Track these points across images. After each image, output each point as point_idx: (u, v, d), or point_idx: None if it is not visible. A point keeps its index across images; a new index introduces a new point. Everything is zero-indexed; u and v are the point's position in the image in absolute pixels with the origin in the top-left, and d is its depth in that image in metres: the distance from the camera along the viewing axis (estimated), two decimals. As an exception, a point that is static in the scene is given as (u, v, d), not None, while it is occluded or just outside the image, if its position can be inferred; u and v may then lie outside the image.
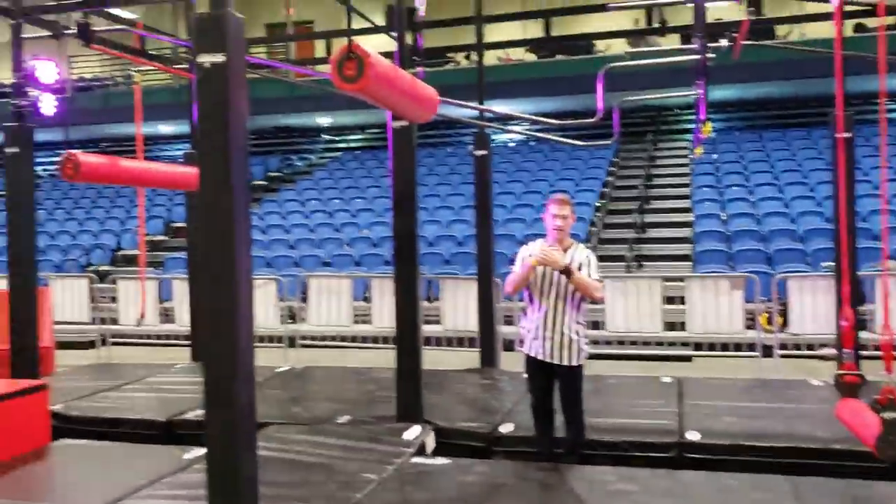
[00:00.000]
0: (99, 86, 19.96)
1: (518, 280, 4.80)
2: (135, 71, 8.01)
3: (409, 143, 5.84)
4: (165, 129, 20.30)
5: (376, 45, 4.31)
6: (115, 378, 7.63)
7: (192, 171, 7.08)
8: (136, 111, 7.74)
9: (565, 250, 4.78)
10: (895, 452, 3.46)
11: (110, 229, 16.63)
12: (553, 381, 4.87)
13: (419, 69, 7.71)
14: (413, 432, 5.41)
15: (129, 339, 11.02)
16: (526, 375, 5.02)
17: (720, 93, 16.68)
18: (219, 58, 3.12)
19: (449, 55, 18.02)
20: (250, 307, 3.26)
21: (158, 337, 11.02)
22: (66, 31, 6.81)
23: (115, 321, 11.08)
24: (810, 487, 4.31)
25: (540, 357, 4.79)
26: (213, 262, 3.15)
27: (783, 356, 8.64)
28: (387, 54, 5.51)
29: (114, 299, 11.31)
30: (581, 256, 4.77)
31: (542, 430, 5.00)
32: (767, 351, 8.58)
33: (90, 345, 10.75)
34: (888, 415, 3.46)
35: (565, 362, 4.75)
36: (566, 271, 4.60)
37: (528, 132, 13.57)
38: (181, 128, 18.91)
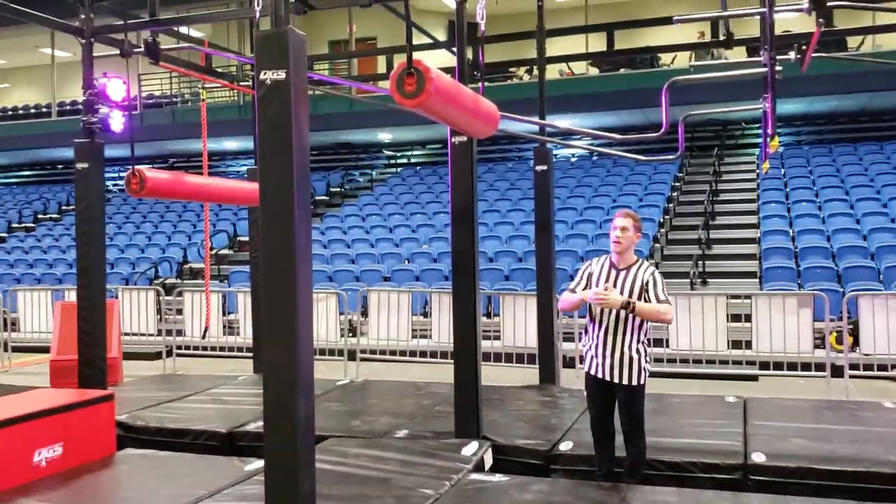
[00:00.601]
0: (167, 103, 20.58)
1: (570, 305, 4.88)
2: (201, 88, 8.21)
3: (468, 158, 5.84)
4: (231, 144, 20.82)
5: (438, 61, 4.34)
6: (179, 389, 7.80)
7: (254, 186, 7.23)
8: (202, 127, 7.94)
9: (629, 268, 4.72)
10: None
11: (177, 243, 17.08)
12: (614, 400, 4.79)
13: (480, 84, 7.73)
14: (471, 448, 5.38)
15: (194, 350, 11.26)
16: (586, 394, 4.94)
17: (788, 106, 16.29)
18: (280, 74, 3.18)
19: (510, 70, 18.06)
20: (310, 320, 3.29)
21: (222, 349, 11.23)
22: (134, 50, 7.05)
23: (180, 333, 11.36)
24: (883, 515, 4.13)
25: (600, 376, 4.72)
26: (273, 277, 3.20)
27: (853, 377, 8.33)
28: (448, 70, 5.56)
29: (180, 311, 11.61)
30: (646, 275, 4.68)
31: (602, 449, 4.92)
32: (837, 371, 8.29)
33: (156, 356, 11.02)
34: None
35: (625, 381, 4.66)
36: (627, 306, 4.54)
37: (589, 147, 13.47)
38: (246, 144, 19.38)
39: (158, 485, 4.79)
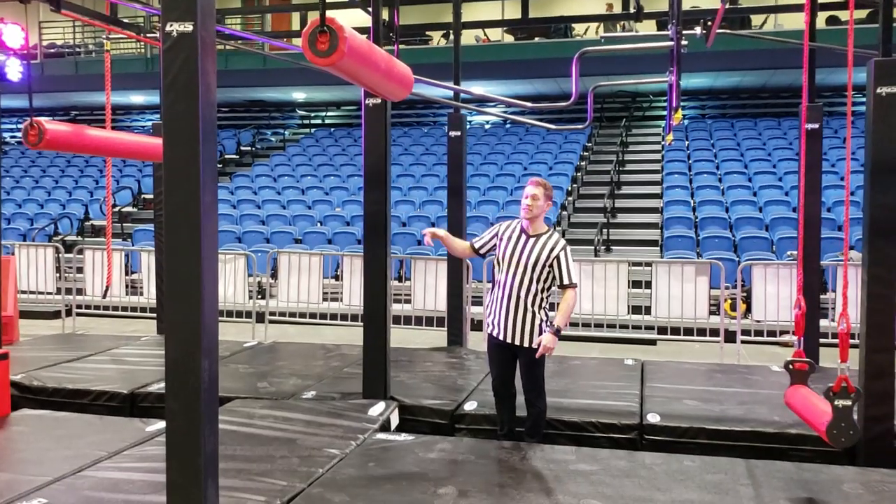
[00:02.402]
0: (69, 53, 19.56)
1: (450, 247, 5.16)
2: (106, 38, 7.83)
3: (382, 121, 5.82)
4: (137, 99, 20.02)
5: (352, 21, 4.28)
6: (79, 349, 7.56)
7: (159, 141, 6.99)
8: (105, 80, 7.60)
9: (538, 236, 4.82)
10: (845, 438, 3.55)
11: (78, 199, 16.40)
12: (515, 362, 4.93)
13: (394, 46, 7.67)
14: (378, 409, 5.45)
15: (96, 310, 10.91)
16: (488, 356, 5.06)
17: (694, 80, 16.80)
18: (187, 26, 3.08)
19: (426, 34, 17.94)
20: (215, 280, 3.24)
21: (125, 309, 10.92)
22: (34, -4, 6.66)
23: (81, 292, 10.98)
24: (763, 469, 4.41)
25: (502, 338, 4.84)
26: (176, 235, 3.13)
27: (745, 342, 8.79)
28: (363, 30, 5.49)
29: (80, 270, 11.20)
30: (556, 250, 4.77)
31: (504, 409, 5.06)
32: (730, 336, 8.71)
33: (55, 315, 10.65)
34: (840, 402, 3.55)
35: (527, 344, 4.79)
36: (558, 333, 4.68)
37: (502, 115, 13.57)
38: (153, 98, 18.66)
39: (55, 446, 4.66)
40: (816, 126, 7.03)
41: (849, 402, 3.54)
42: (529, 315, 4.77)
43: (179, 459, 3.18)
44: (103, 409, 5.87)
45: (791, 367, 4.25)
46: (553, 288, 4.89)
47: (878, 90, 4.71)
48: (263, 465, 4.30)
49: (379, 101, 5.74)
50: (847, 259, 4.03)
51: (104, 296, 8.77)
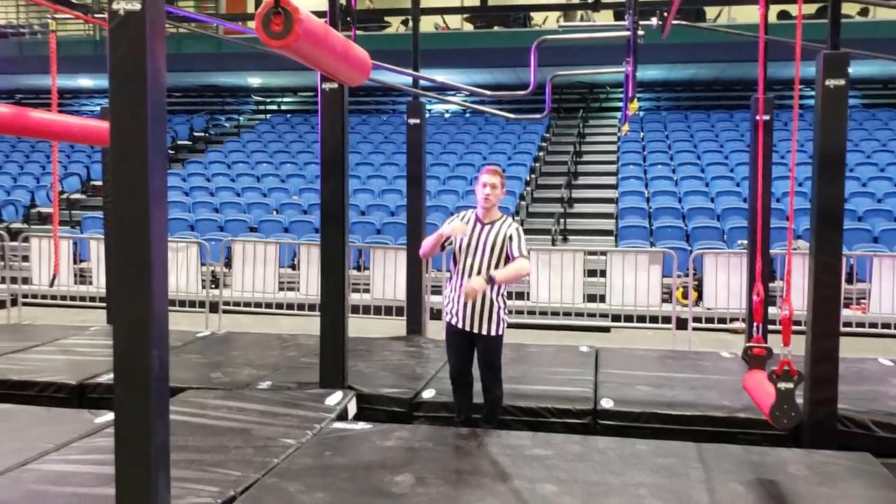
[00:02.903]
0: (13, 33, 18.96)
1: (428, 247, 4.91)
2: (51, 18, 7.61)
3: (339, 107, 5.75)
4: (86, 82, 19.52)
5: (308, 4, 4.22)
6: (25, 339, 7.37)
7: (106, 125, 6.81)
8: (51, 61, 7.39)
9: (493, 223, 4.84)
10: (787, 420, 3.64)
11: (24, 185, 15.94)
12: (473, 350, 4.93)
13: (351, 30, 7.58)
14: (335, 398, 5.41)
15: (43, 299, 10.65)
16: (446, 343, 5.05)
17: (649, 73, 16.98)
18: (135, 5, 2.99)
19: (385, 20, 17.81)
20: (164, 268, 3.17)
21: (73, 298, 10.68)
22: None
23: (27, 281, 10.70)
24: (713, 453, 4.50)
25: (461, 326, 4.84)
26: (124, 222, 3.05)
27: (696, 329, 8.95)
28: (319, 14, 5.41)
29: (26, 258, 10.91)
30: (509, 230, 4.81)
31: (461, 397, 5.08)
32: (682, 324, 8.87)
33: (0, 305, 10.37)
34: (783, 385, 3.63)
35: (485, 332, 4.80)
36: (490, 282, 4.62)
37: (462, 103, 13.54)
38: (102, 82, 18.20)
39: (0, 438, 4.53)
40: (768, 118, 7.15)
41: (791, 385, 3.63)
42: (488, 303, 4.77)
43: (129, 451, 3.11)
44: (51, 400, 5.72)
45: (749, 352, 4.34)
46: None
47: (827, 83, 4.81)
48: (217, 455, 4.25)
49: (336, 85, 5.67)
50: (791, 247, 4.11)
51: (51, 285, 8.56)
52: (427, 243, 4.95)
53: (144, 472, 3.12)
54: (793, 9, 16.48)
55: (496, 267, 4.75)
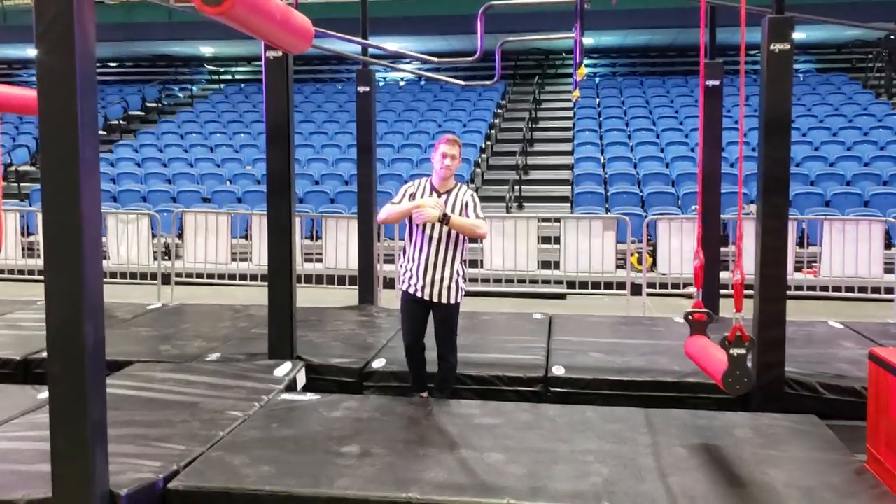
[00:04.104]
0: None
1: (395, 214, 4.76)
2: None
3: (283, 75, 5.64)
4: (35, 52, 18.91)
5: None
6: (-32, 315, 7.18)
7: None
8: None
9: (449, 191, 4.81)
10: (740, 385, 3.69)
11: (-31, 158, 15.45)
12: (427, 319, 4.92)
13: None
14: (283, 369, 5.36)
15: (-11, 274, 10.39)
16: (401, 312, 5.01)
17: (605, 39, 16.99)
18: (58, -32, 2.88)
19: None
20: (97, 240, 3.09)
21: (22, 272, 10.42)
22: None
23: (-29, 256, 10.41)
24: (660, 418, 4.55)
25: (419, 295, 4.81)
26: (54, 194, 2.95)
27: (651, 295, 9.04)
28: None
29: (-30, 232, 10.60)
30: (465, 197, 4.80)
31: (415, 366, 5.05)
32: (636, 289, 8.95)
33: (-57, 280, 10.09)
34: (735, 351, 3.67)
35: (444, 300, 4.79)
36: (444, 219, 4.60)
37: (416, 71, 13.38)
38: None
39: (-63, 418, 4.41)
40: (717, 83, 7.20)
41: (743, 351, 3.67)
42: (448, 271, 4.76)
43: (64, 428, 3.06)
44: (-6, 377, 5.59)
45: (690, 317, 4.37)
46: (467, 243, 4.91)
47: (772, 47, 4.82)
48: (162, 430, 4.18)
49: (280, 54, 5.55)
50: (741, 212, 4.14)
51: (-6, 259, 8.33)
52: (392, 211, 4.76)
53: (81, 449, 3.07)
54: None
55: (455, 235, 4.73)
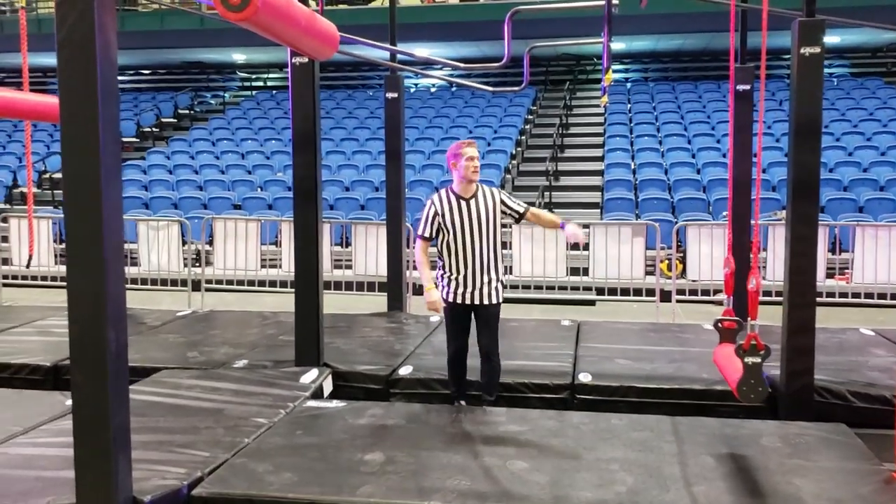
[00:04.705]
0: (-8, 11, 18.73)
1: (423, 268, 4.85)
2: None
3: (310, 81, 5.66)
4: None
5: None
6: (2, 321, 7.30)
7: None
8: (21, 39, 7.25)
9: (474, 195, 4.80)
10: (754, 395, 3.62)
11: (6, 165, 15.77)
12: (470, 325, 4.91)
13: (318, 4, 7.45)
14: (310, 376, 5.37)
15: (24, 280, 10.56)
16: (449, 320, 4.94)
17: (637, 44, 16.84)
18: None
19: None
20: (120, 246, 3.12)
21: (55, 279, 10.59)
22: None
23: (7, 261, 10.61)
24: (688, 426, 4.48)
25: (468, 301, 4.79)
26: (76, 201, 2.98)
27: (680, 301, 8.92)
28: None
29: (6, 239, 10.81)
30: (496, 196, 4.85)
31: (460, 373, 5.02)
32: (666, 296, 8.84)
33: (-20, 286, 10.28)
34: (749, 359, 3.60)
35: (487, 301, 4.79)
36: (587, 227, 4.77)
37: (446, 78, 13.39)
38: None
39: (-31, 422, 4.49)
40: (748, 87, 7.08)
41: (758, 360, 3.61)
42: (493, 273, 4.79)
43: (87, 434, 3.08)
44: (25, 382, 5.68)
45: (720, 325, 4.31)
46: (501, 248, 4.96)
47: (802, 51, 4.73)
48: (187, 436, 4.20)
49: (306, 60, 5.58)
50: (758, 220, 4.07)
51: (27, 265, 8.48)
52: (419, 261, 4.87)
53: (103, 455, 3.10)
54: (780, -23, 16.33)
55: (494, 237, 4.77)
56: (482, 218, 4.74)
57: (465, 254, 4.76)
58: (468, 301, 4.80)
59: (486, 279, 4.77)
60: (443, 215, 4.77)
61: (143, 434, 4.05)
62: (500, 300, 4.88)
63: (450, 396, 5.12)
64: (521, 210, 4.93)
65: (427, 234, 4.83)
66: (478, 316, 4.87)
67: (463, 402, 5.03)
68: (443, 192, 4.89)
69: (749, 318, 3.74)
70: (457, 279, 4.79)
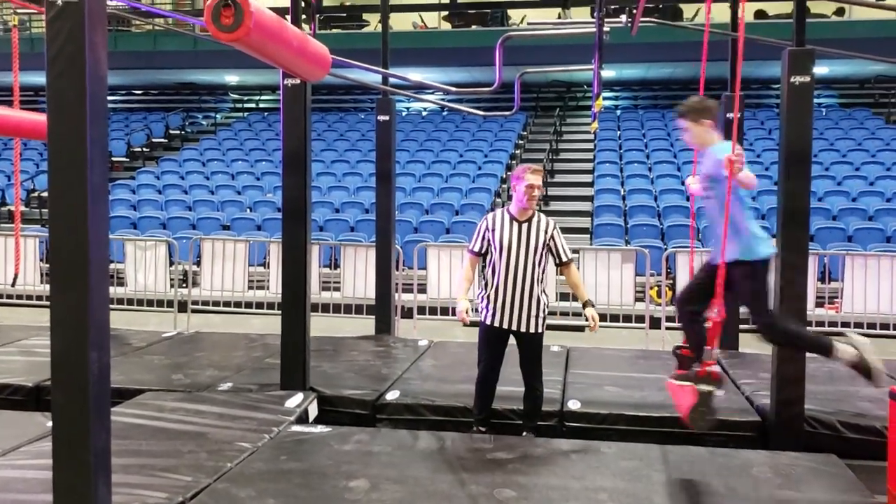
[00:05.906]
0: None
1: (463, 280, 4.91)
2: (14, 13, 7.47)
3: (301, 102, 5.64)
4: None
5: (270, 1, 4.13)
6: (-15, 340, 7.21)
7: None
8: (13, 57, 7.23)
9: (529, 220, 4.82)
10: (704, 423, 3.61)
11: (-6, 183, 15.69)
12: (505, 349, 4.91)
13: (310, 27, 7.47)
14: (295, 400, 5.30)
15: (9, 299, 10.44)
16: (482, 343, 4.94)
17: (627, 72, 16.99)
18: (73, -7, 2.88)
19: (364, 18, 17.69)
20: (105, 267, 3.07)
21: (41, 298, 10.48)
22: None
23: (-8, 280, 10.51)
24: (677, 455, 4.44)
25: (506, 325, 4.78)
26: (61, 220, 2.94)
27: (670, 328, 8.88)
28: (282, 10, 5.30)
29: (-9, 258, 10.72)
30: (550, 229, 4.84)
31: (488, 395, 5.00)
32: (655, 323, 8.81)
33: (-36, 305, 10.17)
34: (702, 387, 3.59)
35: (531, 329, 4.79)
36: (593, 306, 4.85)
37: (438, 101, 13.44)
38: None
39: (-54, 444, 4.40)
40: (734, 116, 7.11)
41: (710, 388, 3.60)
42: (535, 300, 4.77)
43: (66, 457, 3.01)
44: (6, 403, 5.56)
45: (678, 352, 4.31)
46: (546, 273, 4.96)
47: (792, 79, 4.77)
48: (169, 460, 4.13)
49: (297, 81, 5.57)
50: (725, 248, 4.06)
51: (13, 284, 8.38)
52: (462, 276, 4.96)
53: (83, 479, 3.02)
54: (769, 7, 16.56)
55: (539, 265, 4.77)
56: (531, 243, 4.75)
57: (507, 275, 4.75)
58: (506, 325, 4.79)
59: (527, 304, 4.76)
60: (493, 231, 4.81)
61: (124, 457, 3.98)
62: (543, 329, 4.87)
63: (472, 422, 5.09)
64: (564, 258, 4.90)
65: (475, 249, 4.90)
66: (520, 343, 4.88)
67: (482, 430, 4.98)
68: (500, 210, 4.95)
69: (707, 346, 3.73)
70: (498, 301, 4.78)
